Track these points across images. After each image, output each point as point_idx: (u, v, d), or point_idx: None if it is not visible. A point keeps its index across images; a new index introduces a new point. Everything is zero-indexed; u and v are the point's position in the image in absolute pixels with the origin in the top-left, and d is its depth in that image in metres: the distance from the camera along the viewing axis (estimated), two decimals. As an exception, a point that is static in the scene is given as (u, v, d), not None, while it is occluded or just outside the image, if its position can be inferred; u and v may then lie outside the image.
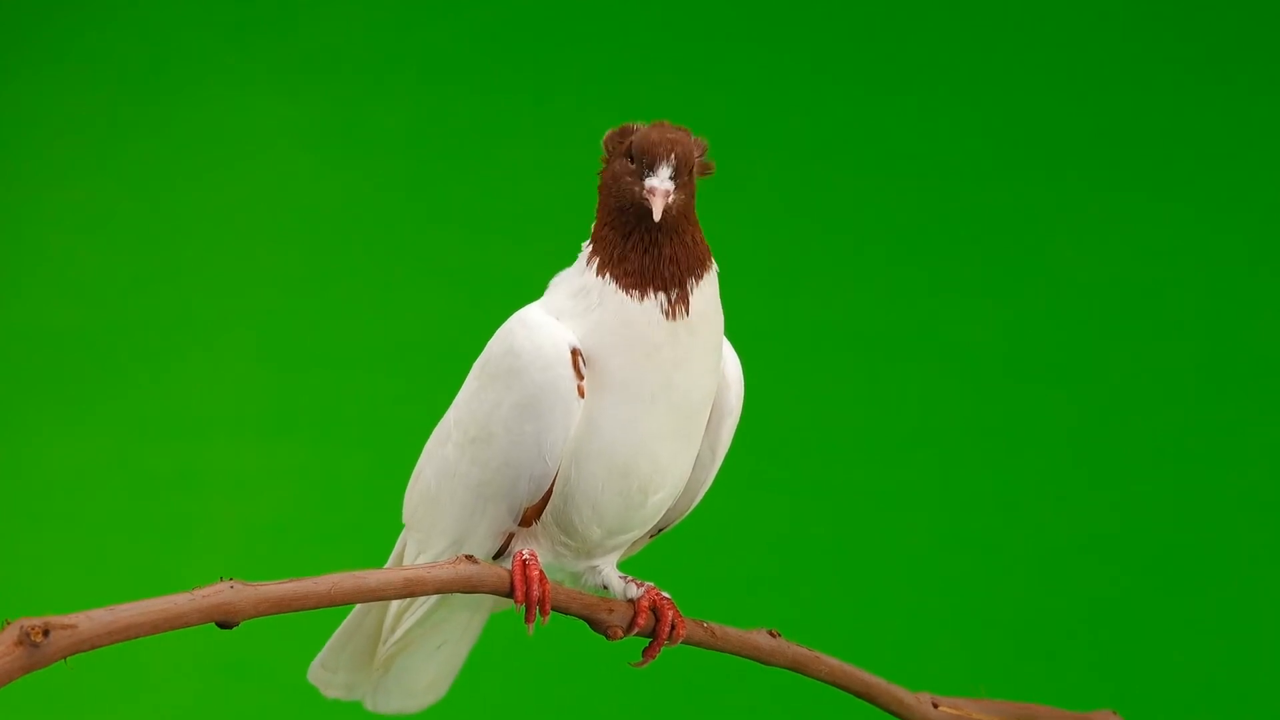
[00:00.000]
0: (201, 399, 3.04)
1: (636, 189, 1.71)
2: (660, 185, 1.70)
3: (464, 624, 1.92)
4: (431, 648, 1.93)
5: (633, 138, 1.73)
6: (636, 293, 1.71)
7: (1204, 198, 3.11)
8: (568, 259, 1.79)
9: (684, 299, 1.71)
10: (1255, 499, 3.02)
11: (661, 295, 1.71)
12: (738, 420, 1.83)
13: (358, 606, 1.92)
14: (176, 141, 3.13)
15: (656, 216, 1.68)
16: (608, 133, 1.77)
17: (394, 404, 3.02)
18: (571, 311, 1.73)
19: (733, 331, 1.82)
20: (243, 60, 3.15)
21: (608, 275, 1.72)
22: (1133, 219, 3.11)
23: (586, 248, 1.75)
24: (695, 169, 1.73)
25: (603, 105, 3.13)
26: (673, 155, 1.71)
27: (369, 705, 1.98)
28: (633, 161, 1.72)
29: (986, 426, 3.06)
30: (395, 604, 1.86)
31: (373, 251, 3.12)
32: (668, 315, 1.71)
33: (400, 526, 1.89)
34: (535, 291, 1.80)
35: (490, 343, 1.77)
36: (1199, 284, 3.09)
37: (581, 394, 1.70)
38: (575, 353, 1.71)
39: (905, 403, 3.06)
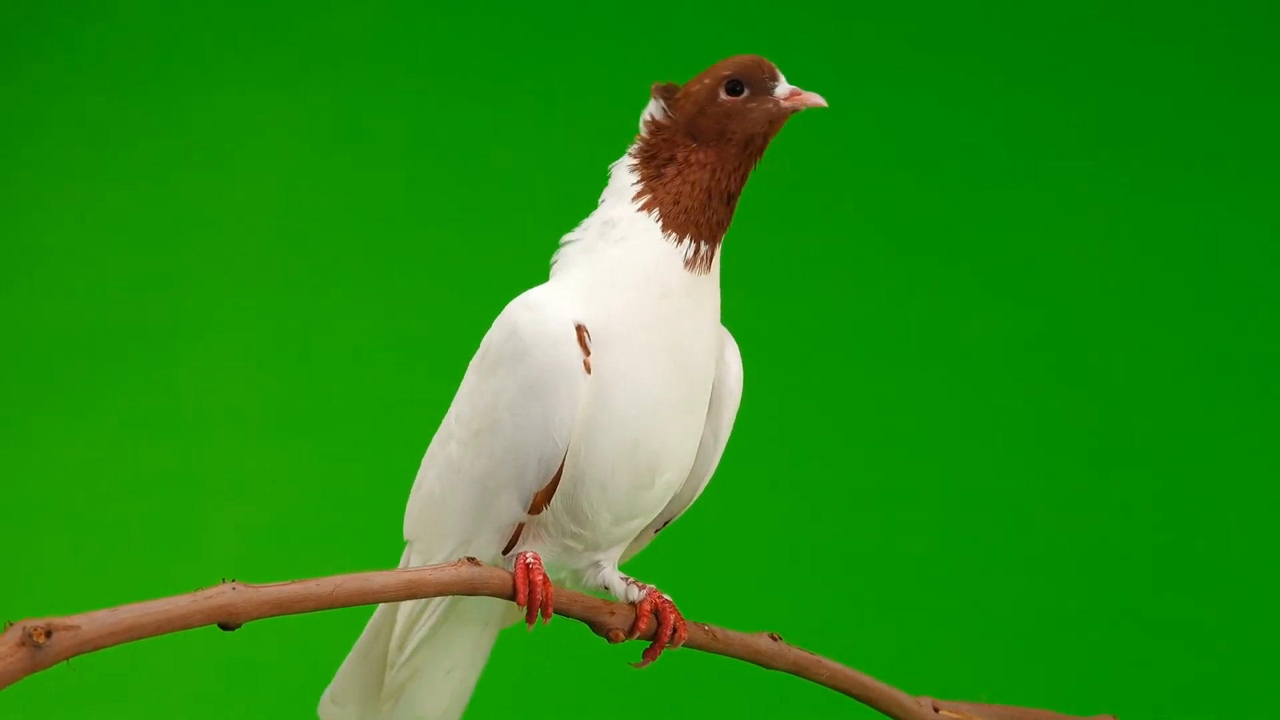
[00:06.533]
0: (201, 399, 3.04)
1: (770, 105, 1.74)
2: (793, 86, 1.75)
3: (473, 643, 1.90)
4: (441, 672, 1.90)
5: (728, 71, 1.74)
6: (674, 234, 1.72)
7: (1204, 198, 3.12)
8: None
9: (710, 256, 1.73)
10: (1255, 499, 3.02)
11: (693, 244, 1.72)
12: (738, 404, 1.82)
13: (365, 633, 1.91)
14: (177, 141, 3.13)
15: (825, 102, 1.72)
16: (658, 85, 1.77)
17: (395, 404, 3.01)
18: (589, 247, 1.74)
19: (736, 331, 1.83)
20: (243, 60, 3.15)
21: (655, 212, 1.73)
22: (1134, 219, 3.11)
23: (631, 186, 1.75)
24: None
25: (602, 105, 3.13)
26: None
27: None
28: (740, 91, 1.74)
29: (988, 428, 3.06)
30: (401, 622, 1.85)
31: (373, 251, 3.12)
32: (688, 264, 1.72)
33: (400, 536, 1.89)
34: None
35: (489, 333, 1.76)
36: (1199, 284, 3.10)
37: (588, 369, 1.69)
38: (580, 329, 1.70)
39: (907, 404, 3.06)
